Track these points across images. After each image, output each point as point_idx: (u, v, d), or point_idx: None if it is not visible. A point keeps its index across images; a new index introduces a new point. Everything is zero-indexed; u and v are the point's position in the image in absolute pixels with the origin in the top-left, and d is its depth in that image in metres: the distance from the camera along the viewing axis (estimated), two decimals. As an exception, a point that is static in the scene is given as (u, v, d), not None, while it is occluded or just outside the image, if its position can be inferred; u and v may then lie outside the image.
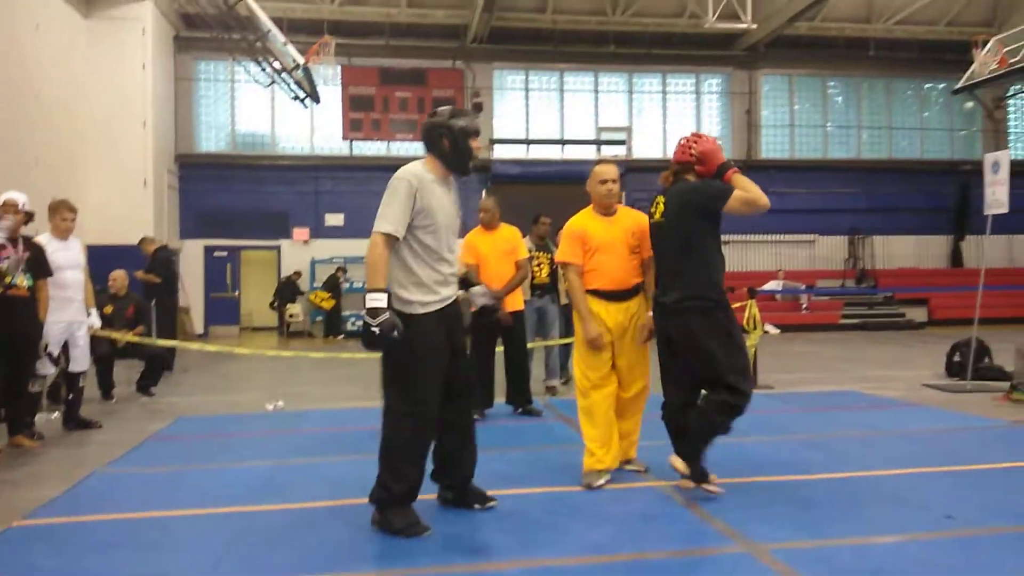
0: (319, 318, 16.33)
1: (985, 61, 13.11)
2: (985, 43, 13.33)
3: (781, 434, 5.42)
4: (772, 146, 19.11)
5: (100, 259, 9.87)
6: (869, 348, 12.35)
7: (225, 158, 17.27)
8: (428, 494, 3.60)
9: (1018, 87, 18.45)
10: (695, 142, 3.89)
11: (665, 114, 18.94)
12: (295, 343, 15.06)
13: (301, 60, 11.88)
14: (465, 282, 3.96)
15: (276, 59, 12.46)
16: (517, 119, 18.41)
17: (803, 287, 17.29)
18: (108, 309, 7.41)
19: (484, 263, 6.04)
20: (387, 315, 3.17)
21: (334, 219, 17.32)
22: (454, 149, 3.45)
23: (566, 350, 7.72)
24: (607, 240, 4.15)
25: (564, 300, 7.26)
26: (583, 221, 4.25)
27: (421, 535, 3.30)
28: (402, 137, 17.14)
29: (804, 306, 17.37)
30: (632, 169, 17.47)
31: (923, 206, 18.75)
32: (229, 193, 16.94)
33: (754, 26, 14.89)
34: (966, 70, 15.18)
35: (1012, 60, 12.82)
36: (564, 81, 18.58)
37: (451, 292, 3.50)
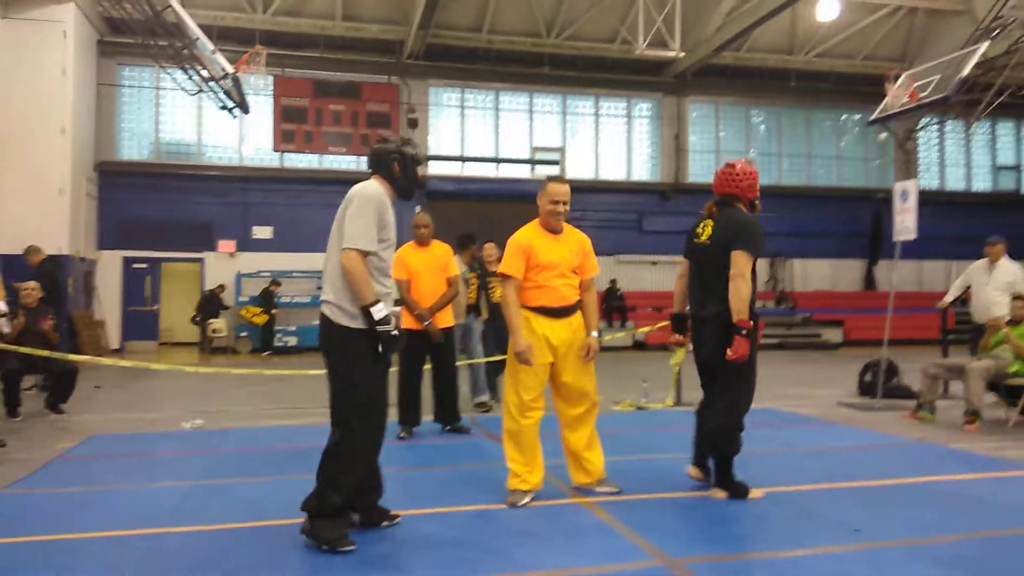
0: (243, 333, 15.88)
1: (897, 94, 13.81)
2: (897, 77, 14.08)
3: (702, 451, 5.56)
4: (699, 170, 19.71)
5: (11, 269, 9.40)
6: (788, 367, 12.80)
7: (148, 167, 16.71)
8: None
9: (927, 120, 19.58)
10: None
11: (598, 136, 19.34)
12: (217, 359, 14.60)
13: (230, 69, 11.60)
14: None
15: (204, 67, 12.15)
16: (452, 136, 18.48)
17: (727, 307, 17.81)
18: (20, 321, 7.04)
19: (416, 279, 6.02)
20: (393, 320, 3.43)
21: (262, 232, 16.94)
22: (404, 175, 3.62)
23: (493, 367, 7.74)
24: (554, 258, 4.15)
25: (485, 315, 7.34)
26: (530, 236, 4.20)
27: (346, 549, 3.29)
28: (335, 150, 16.93)
29: (728, 326, 17.87)
30: (565, 189, 17.71)
31: (839, 231, 19.65)
32: (151, 203, 16.38)
33: (682, 54, 15.40)
34: (880, 102, 16.05)
35: (922, 94, 13.56)
36: (500, 100, 18.76)
37: (390, 308, 3.56)
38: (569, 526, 3.69)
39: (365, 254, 3.38)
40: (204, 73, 12.27)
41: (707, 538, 3.47)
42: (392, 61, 17.61)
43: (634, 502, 4.08)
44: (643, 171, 19.66)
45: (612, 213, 18.76)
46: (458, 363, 7.09)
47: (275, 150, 17.02)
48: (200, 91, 12.78)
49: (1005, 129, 21.59)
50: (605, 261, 18.32)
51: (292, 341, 15.68)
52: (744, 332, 3.94)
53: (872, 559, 3.22)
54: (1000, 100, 16.79)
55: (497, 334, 7.02)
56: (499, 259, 6.87)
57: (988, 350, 6.88)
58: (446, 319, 6.17)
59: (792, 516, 3.85)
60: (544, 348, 4.09)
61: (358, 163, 17.21)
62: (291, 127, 16.89)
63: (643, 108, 19.65)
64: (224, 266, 16.62)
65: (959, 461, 5.20)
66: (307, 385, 8.84)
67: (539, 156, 18.80)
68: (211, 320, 15.75)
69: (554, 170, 18.50)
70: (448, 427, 6.18)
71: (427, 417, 6.22)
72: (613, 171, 19.41)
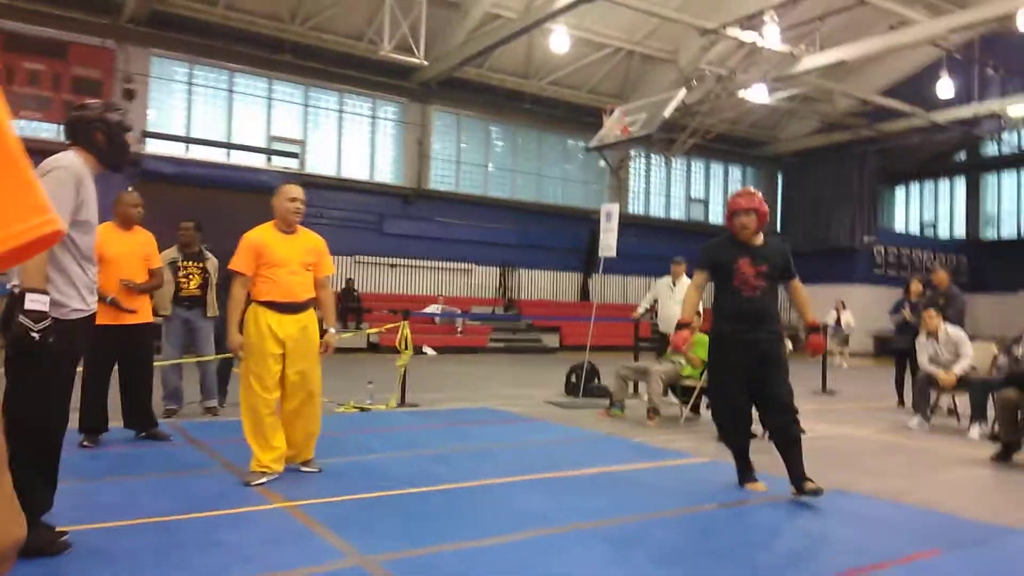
0: None
1: (611, 127, 15.42)
2: (612, 112, 15.70)
3: (413, 449, 5.69)
4: (440, 178, 20.25)
5: None
6: (509, 368, 13.62)
7: None
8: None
9: (636, 152, 22.11)
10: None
11: (341, 133, 18.98)
12: None
13: None
14: None
15: None
16: (177, 114, 16.95)
17: (459, 312, 18.50)
18: None
19: (111, 265, 5.29)
20: (49, 320, 2.94)
21: (-79, 204, 14.04)
22: (110, 144, 3.33)
23: (226, 366, 7.22)
24: (284, 255, 4.43)
25: (214, 312, 6.82)
26: (262, 235, 4.49)
27: (66, 550, 3.08)
28: (29, 115, 14.63)
29: (459, 330, 18.57)
30: (305, 184, 17.04)
31: (562, 246, 21.39)
32: None
33: (426, 63, 15.73)
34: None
35: (631, 129, 15.28)
36: (234, 82, 17.61)
37: (95, 299, 3.33)
38: (266, 532, 3.54)
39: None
40: None
41: (405, 534, 3.53)
42: (108, 23, 15.68)
43: (340, 503, 4.04)
44: (386, 173, 19.69)
45: (353, 212, 18.53)
46: (183, 361, 6.59)
47: (-54, 107, 14.24)
48: None
49: (698, 167, 25.13)
50: (343, 261, 18.05)
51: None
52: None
53: (550, 543, 3.51)
54: (694, 141, 19.57)
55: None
56: None
57: (668, 356, 7.91)
58: (144, 314, 5.59)
59: (486, 508, 4.07)
60: (269, 339, 4.34)
61: (59, 132, 15.02)
62: (-30, 82, 14.27)
63: (388, 111, 19.70)
64: None
65: (637, 452, 5.90)
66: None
67: (277, 146, 17.96)
68: None
69: (292, 162, 17.83)
70: (143, 433, 5.59)
71: (117, 423, 5.58)
72: (356, 170, 19.18)
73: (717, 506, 4.28)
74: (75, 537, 3.22)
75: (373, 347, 16.35)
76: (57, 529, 3.21)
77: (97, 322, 4.96)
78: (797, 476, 4.36)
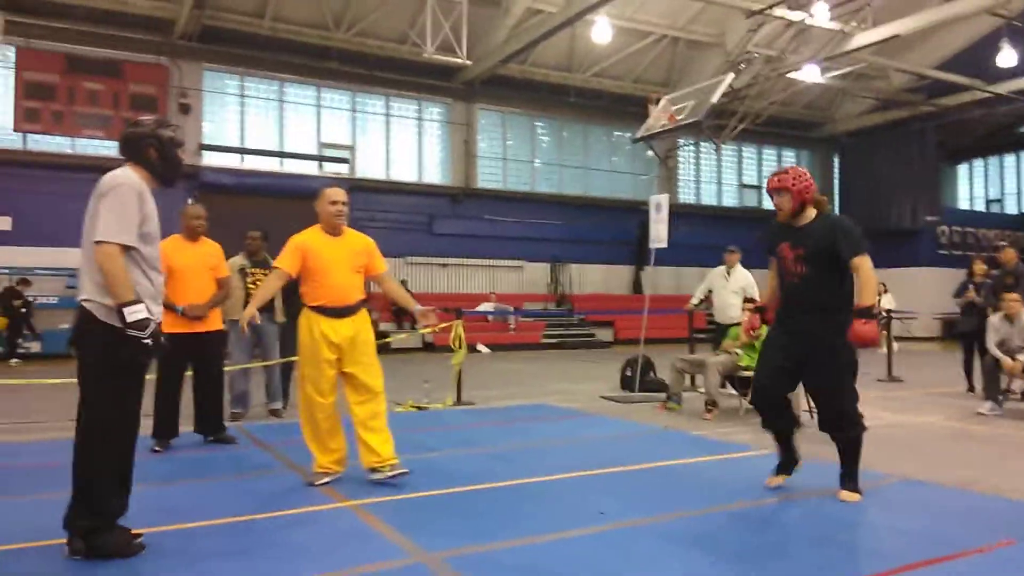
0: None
1: (658, 116, 15.20)
2: (659, 100, 15.49)
3: (471, 447, 5.75)
4: (487, 176, 20.33)
5: None
6: (563, 364, 13.60)
7: None
8: (53, 539, 3.24)
9: (684, 141, 21.78)
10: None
11: (389, 136, 19.23)
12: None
13: (-44, 33, 10.03)
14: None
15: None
16: (231, 126, 17.41)
17: (512, 309, 18.54)
18: None
19: (179, 277, 5.54)
20: (153, 324, 3.20)
21: (-1, 223, 14.78)
22: (163, 160, 3.43)
23: (287, 370, 7.41)
24: (331, 258, 4.39)
25: (281, 318, 7.02)
26: (309, 237, 4.47)
27: (141, 552, 3.22)
28: (90, 134, 15.21)
29: (512, 327, 18.61)
30: (355, 188, 17.40)
31: (612, 239, 21.23)
32: None
33: (469, 62, 15.79)
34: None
35: (679, 118, 15.04)
36: (284, 92, 18.00)
37: (160, 308, 3.42)
38: (330, 531, 3.62)
39: (123, 248, 3.18)
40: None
41: (465, 531, 3.57)
42: (162, 40, 16.21)
43: (401, 501, 4.11)
44: (434, 174, 19.86)
45: (403, 214, 18.77)
46: (251, 365, 6.78)
47: (16, 130, 14.92)
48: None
49: (749, 152, 24.62)
50: (395, 262, 18.28)
51: (35, 347, 13.84)
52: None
53: (610, 538, 3.51)
54: (743, 126, 19.17)
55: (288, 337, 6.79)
56: None
57: (725, 347, 7.78)
58: (215, 322, 5.79)
59: (546, 504, 4.09)
60: (323, 346, 4.31)
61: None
62: (37, 105, 14.89)
63: (434, 112, 19.86)
64: (-52, 261, 14.26)
65: (696, 446, 5.83)
66: (42, 396, 7.88)
67: (327, 152, 18.31)
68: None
69: (343, 167, 18.13)
70: (211, 438, 5.79)
71: (188, 428, 5.79)
72: (404, 172, 19.41)
73: (781, 499, 4.20)
74: (149, 539, 3.36)
75: (428, 346, 16.53)
76: (133, 531, 3.35)
77: (169, 331, 5.18)
78: (841, 476, 4.22)
